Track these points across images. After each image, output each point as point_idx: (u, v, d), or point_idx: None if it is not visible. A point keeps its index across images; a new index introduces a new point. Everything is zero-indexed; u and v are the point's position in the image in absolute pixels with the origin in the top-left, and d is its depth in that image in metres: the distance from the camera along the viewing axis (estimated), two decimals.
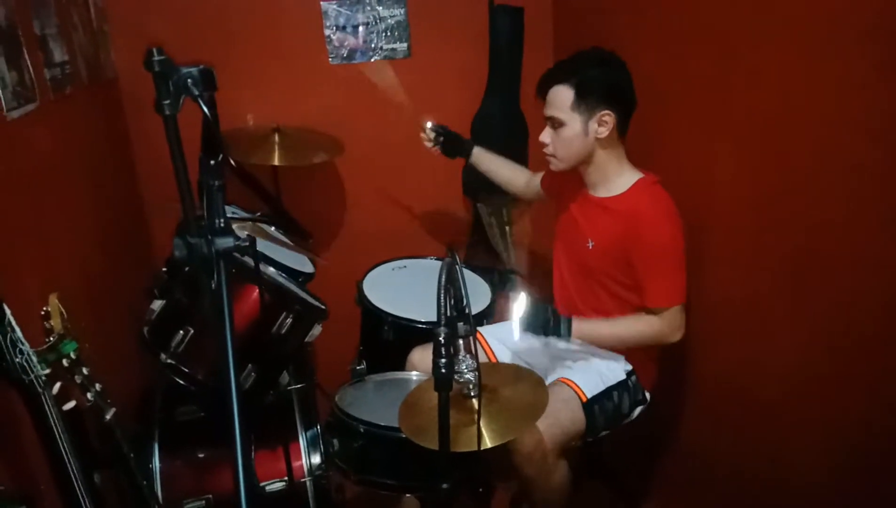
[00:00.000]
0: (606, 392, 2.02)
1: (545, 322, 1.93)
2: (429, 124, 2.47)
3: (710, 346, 2.09)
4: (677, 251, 1.91)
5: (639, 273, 1.93)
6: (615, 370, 2.07)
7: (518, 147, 3.00)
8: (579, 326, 1.97)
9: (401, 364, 2.29)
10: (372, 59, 2.94)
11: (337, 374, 2.56)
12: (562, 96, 1.92)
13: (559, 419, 1.91)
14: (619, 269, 1.98)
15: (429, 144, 2.47)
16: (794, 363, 1.75)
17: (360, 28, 2.90)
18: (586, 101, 1.90)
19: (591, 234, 2.02)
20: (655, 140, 2.24)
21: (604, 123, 1.91)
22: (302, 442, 2.15)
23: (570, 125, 1.93)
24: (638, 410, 2.11)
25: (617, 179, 1.99)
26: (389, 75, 2.54)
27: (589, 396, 1.98)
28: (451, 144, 2.47)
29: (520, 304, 1.86)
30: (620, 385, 2.05)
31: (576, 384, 2.00)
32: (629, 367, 2.09)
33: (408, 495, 2.22)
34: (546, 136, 2.00)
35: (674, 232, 1.90)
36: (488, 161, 2.50)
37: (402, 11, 2.90)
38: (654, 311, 1.93)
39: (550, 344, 2.17)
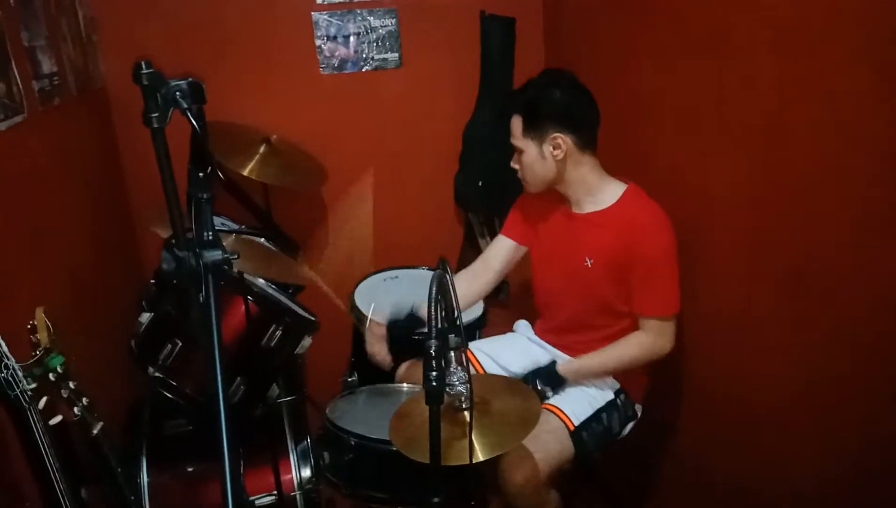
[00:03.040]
0: (595, 416, 2.01)
1: (538, 393, 1.96)
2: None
3: (707, 356, 2.08)
4: (674, 259, 1.91)
5: (634, 282, 1.92)
6: (603, 391, 2.06)
7: (507, 157, 2.99)
8: (569, 368, 2.01)
9: (393, 376, 2.28)
10: (363, 70, 2.93)
11: (328, 386, 2.54)
12: (515, 125, 1.97)
13: (548, 451, 1.91)
14: (620, 281, 1.96)
15: None
16: (790, 373, 1.74)
17: (352, 38, 2.90)
18: (534, 127, 1.92)
19: (588, 251, 1.99)
20: (650, 150, 2.24)
21: (557, 145, 1.91)
22: (292, 456, 2.14)
23: (527, 152, 1.96)
24: (629, 426, 2.10)
25: (600, 192, 1.98)
26: None
27: (576, 423, 1.97)
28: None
29: None
30: (609, 406, 2.04)
31: (562, 412, 1.99)
32: (617, 385, 2.08)
33: None
34: (515, 161, 2.03)
35: (670, 241, 1.90)
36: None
37: (394, 21, 2.91)
38: (646, 322, 1.92)
39: (537, 362, 2.16)
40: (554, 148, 1.91)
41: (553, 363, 2.03)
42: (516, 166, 2.03)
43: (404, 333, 2.14)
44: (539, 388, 1.99)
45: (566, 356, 2.13)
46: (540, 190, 2.03)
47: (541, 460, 1.88)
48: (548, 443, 1.91)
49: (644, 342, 1.94)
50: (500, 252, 2.24)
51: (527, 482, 1.87)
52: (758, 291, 1.83)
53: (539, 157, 1.94)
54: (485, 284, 2.27)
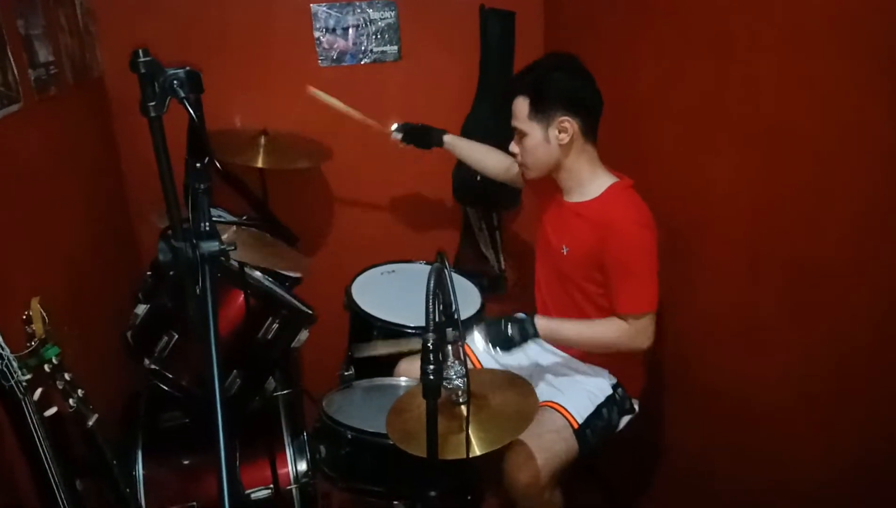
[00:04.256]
0: (597, 412, 2.00)
1: (506, 337, 1.90)
2: (393, 126, 2.49)
3: (706, 354, 2.08)
4: (649, 258, 1.88)
5: (609, 279, 1.92)
6: (602, 386, 2.06)
7: (507, 150, 2.99)
8: (546, 324, 1.93)
9: (389, 370, 2.27)
10: (362, 62, 2.92)
11: (324, 380, 2.54)
12: (520, 107, 1.94)
13: (554, 451, 1.90)
14: (594, 274, 1.96)
15: (400, 146, 2.49)
16: (790, 371, 1.74)
17: (350, 30, 2.88)
18: (542, 109, 1.90)
19: (566, 240, 2.01)
20: (649, 146, 2.24)
21: (563, 129, 1.89)
22: (288, 449, 2.13)
23: (531, 135, 1.93)
24: (626, 420, 2.10)
25: (590, 183, 1.97)
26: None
27: (580, 421, 1.96)
28: (420, 137, 2.47)
29: (479, 330, 1.93)
30: (608, 401, 2.04)
31: (566, 410, 1.98)
32: (614, 380, 2.07)
33: (396, 502, 2.20)
34: (514, 146, 2.01)
35: (645, 239, 1.88)
36: (463, 148, 2.48)
37: (393, 14, 2.89)
38: (624, 317, 1.91)
39: (533, 357, 2.17)
40: (560, 132, 1.90)
41: (532, 314, 1.96)
42: (515, 151, 2.01)
43: None
44: (509, 334, 1.90)
45: (562, 353, 2.14)
46: (539, 176, 2.02)
47: (546, 460, 1.87)
48: (553, 443, 1.91)
49: (623, 329, 1.90)
50: (517, 170, 2.24)
51: (532, 482, 1.86)
52: (757, 289, 1.82)
53: (543, 140, 1.92)
54: (499, 167, 2.41)
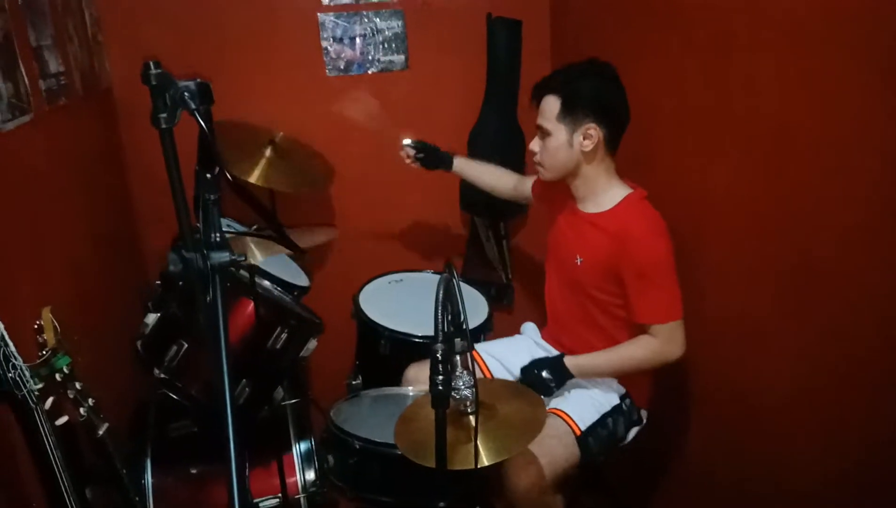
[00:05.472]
0: (601, 421, 2.00)
1: (541, 383, 1.95)
2: (406, 141, 2.46)
3: (709, 359, 2.07)
4: (668, 267, 1.89)
5: (630, 291, 1.91)
6: (609, 395, 2.05)
7: (514, 159, 2.99)
8: (576, 363, 1.98)
9: (397, 379, 2.27)
10: (369, 72, 2.93)
11: (332, 389, 2.54)
12: (550, 106, 1.93)
13: (554, 456, 1.90)
14: (608, 285, 1.96)
15: (409, 161, 2.46)
16: (793, 375, 1.74)
17: (358, 40, 2.89)
18: (572, 113, 1.90)
19: (580, 250, 2.01)
20: (651, 151, 2.24)
21: (589, 136, 1.90)
22: (296, 458, 2.13)
23: (555, 135, 1.93)
24: (633, 431, 2.09)
25: (605, 194, 1.98)
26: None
27: (583, 428, 1.96)
28: (430, 158, 2.45)
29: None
30: (615, 410, 2.03)
31: (569, 416, 1.98)
32: (623, 390, 2.07)
33: None
34: (535, 144, 2.01)
35: (665, 249, 1.88)
36: (471, 170, 2.48)
37: (400, 23, 2.90)
38: (651, 329, 1.91)
39: None
40: (584, 138, 1.90)
41: (561, 355, 2.00)
42: (535, 149, 2.00)
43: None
44: (544, 377, 1.95)
45: None
46: (554, 178, 2.02)
47: (546, 465, 1.87)
48: (554, 448, 1.90)
49: (652, 345, 1.91)
50: (525, 187, 2.36)
51: (532, 487, 1.86)
52: (761, 293, 1.82)
53: (567, 144, 1.92)
54: (507, 186, 2.46)
